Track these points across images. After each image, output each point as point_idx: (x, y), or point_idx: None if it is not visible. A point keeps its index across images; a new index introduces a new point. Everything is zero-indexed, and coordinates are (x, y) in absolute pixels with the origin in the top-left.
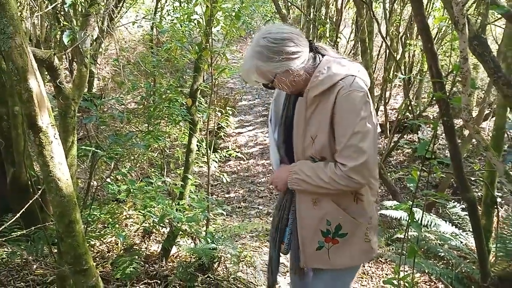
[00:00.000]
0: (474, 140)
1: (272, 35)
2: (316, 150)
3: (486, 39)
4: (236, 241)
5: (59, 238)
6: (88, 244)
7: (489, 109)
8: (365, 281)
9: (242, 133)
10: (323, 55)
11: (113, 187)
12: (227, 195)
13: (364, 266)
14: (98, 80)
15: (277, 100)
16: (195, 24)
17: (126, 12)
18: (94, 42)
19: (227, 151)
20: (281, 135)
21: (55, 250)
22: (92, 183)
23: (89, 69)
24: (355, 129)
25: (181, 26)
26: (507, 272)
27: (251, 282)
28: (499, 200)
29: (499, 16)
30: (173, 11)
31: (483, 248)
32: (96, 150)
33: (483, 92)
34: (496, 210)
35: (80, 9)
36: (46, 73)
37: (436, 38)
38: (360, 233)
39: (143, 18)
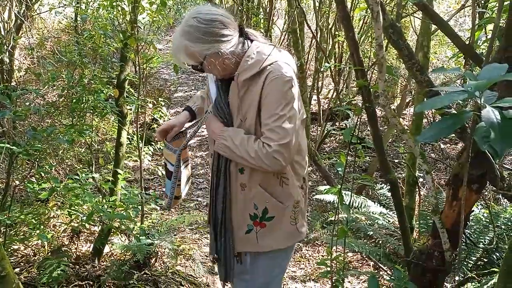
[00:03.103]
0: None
1: (202, 16)
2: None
3: (400, 28)
4: (174, 234)
5: None
6: (10, 249)
7: (411, 96)
8: (303, 264)
9: None
10: (251, 41)
11: (33, 185)
12: (164, 189)
13: (301, 250)
14: (16, 72)
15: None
16: (119, 11)
17: None
18: (8, 31)
19: (162, 144)
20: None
21: None
22: (12, 183)
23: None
24: (280, 113)
25: (106, 12)
26: (426, 246)
27: (190, 275)
28: (420, 180)
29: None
30: None
31: (405, 225)
32: (11, 147)
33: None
34: (417, 189)
35: None
36: None
37: (363, 29)
38: (286, 216)
39: (65, 5)
